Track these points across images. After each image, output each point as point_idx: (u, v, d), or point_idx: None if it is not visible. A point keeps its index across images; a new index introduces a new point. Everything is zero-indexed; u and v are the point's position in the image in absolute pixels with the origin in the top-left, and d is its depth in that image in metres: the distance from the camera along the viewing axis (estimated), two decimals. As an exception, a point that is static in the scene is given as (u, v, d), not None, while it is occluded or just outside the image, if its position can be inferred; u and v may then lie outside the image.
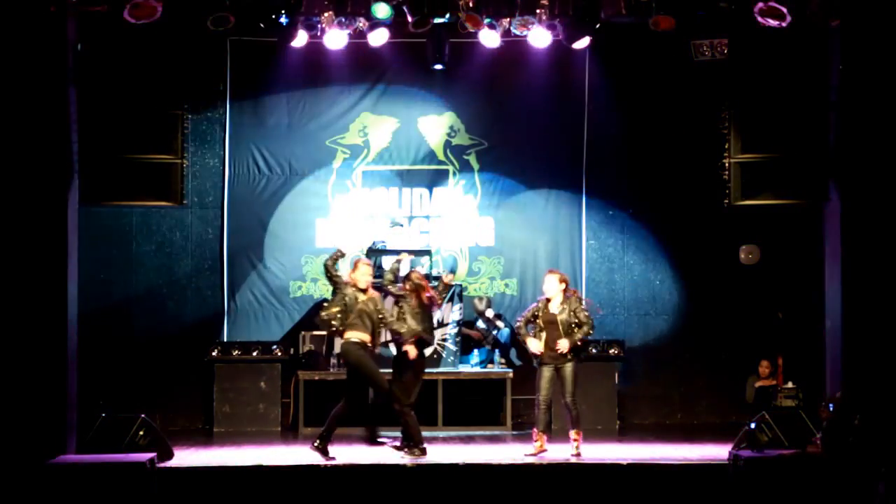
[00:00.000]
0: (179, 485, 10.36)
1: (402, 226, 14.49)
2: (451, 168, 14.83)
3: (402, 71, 14.64)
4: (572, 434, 11.16)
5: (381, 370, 11.45)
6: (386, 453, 11.39)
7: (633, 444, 12.28)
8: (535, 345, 11.22)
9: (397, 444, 11.49)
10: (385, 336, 12.13)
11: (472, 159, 14.84)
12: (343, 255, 11.53)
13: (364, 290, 11.23)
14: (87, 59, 11.83)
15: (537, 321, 11.27)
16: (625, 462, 10.79)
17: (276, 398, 13.94)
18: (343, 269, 11.59)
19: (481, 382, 13.87)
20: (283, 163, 14.68)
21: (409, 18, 12.26)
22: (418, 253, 14.01)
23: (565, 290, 11.30)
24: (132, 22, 11.46)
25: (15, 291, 10.60)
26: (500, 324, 14.28)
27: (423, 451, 11.11)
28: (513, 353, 14.37)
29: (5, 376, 10.49)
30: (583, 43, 12.73)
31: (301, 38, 12.74)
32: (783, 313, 14.17)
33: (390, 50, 13.91)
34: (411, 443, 11.19)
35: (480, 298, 14.46)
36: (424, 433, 11.41)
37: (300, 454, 11.23)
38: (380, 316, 11.23)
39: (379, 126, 14.77)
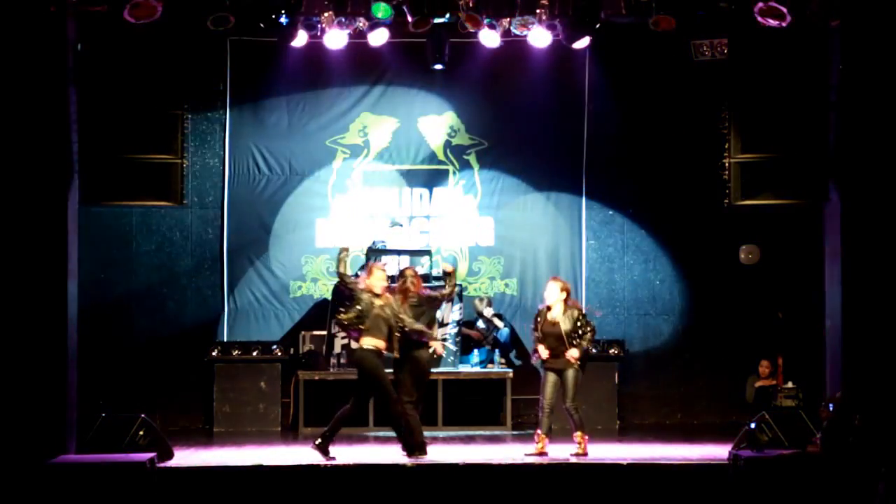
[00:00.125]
0: (179, 485, 10.34)
1: (401, 226, 14.49)
2: (451, 168, 14.82)
3: (402, 71, 14.64)
4: (577, 437, 11.14)
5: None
6: (386, 453, 11.38)
7: (633, 444, 12.27)
8: (546, 353, 11.21)
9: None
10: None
11: (472, 159, 14.84)
12: (348, 251, 11.42)
13: (379, 296, 11.10)
14: (87, 59, 11.80)
15: (539, 328, 11.27)
16: (625, 462, 10.76)
17: (276, 398, 13.94)
18: (350, 268, 11.38)
19: (481, 382, 13.86)
20: (283, 163, 14.68)
21: (409, 18, 12.25)
22: (418, 253, 14.01)
23: (566, 300, 11.30)
24: (132, 22, 11.45)
25: (15, 291, 10.58)
26: (499, 324, 14.28)
27: (424, 451, 11.08)
28: (513, 353, 14.37)
29: (5, 376, 10.47)
30: (583, 43, 12.72)
31: (301, 38, 12.73)
32: (783, 313, 14.17)
33: (390, 50, 13.91)
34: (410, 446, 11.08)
35: (480, 298, 14.46)
36: (424, 433, 11.37)
37: (300, 454, 11.21)
38: (398, 319, 10.98)
39: (379, 126, 14.76)
